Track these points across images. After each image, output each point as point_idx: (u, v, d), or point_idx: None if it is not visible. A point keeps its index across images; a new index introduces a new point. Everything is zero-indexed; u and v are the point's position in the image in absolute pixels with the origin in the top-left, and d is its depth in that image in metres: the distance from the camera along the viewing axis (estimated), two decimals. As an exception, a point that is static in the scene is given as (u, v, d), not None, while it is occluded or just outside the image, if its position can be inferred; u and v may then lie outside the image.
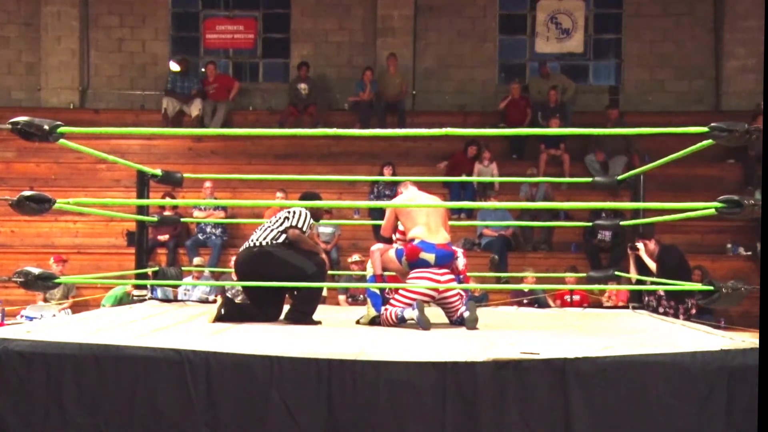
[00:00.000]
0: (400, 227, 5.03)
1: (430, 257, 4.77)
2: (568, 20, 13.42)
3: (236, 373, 3.39)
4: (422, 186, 11.44)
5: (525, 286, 8.29)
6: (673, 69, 13.47)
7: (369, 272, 5.06)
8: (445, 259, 4.83)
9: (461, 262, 5.03)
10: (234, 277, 5.32)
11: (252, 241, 4.97)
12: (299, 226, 4.91)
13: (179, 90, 13.01)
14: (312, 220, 5.06)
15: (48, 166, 12.19)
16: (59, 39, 13.57)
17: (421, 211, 4.94)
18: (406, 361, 3.39)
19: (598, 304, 8.87)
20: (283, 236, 4.90)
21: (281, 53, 14.07)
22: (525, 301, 8.34)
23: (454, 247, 5.02)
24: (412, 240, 4.84)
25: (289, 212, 5.01)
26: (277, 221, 4.98)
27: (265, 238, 4.91)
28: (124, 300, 8.40)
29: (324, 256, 5.11)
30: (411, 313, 4.57)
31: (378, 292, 4.88)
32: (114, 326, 4.39)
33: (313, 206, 5.07)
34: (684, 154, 4.61)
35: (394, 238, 5.16)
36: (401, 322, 4.63)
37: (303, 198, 5.22)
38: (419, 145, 12.38)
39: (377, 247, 5.01)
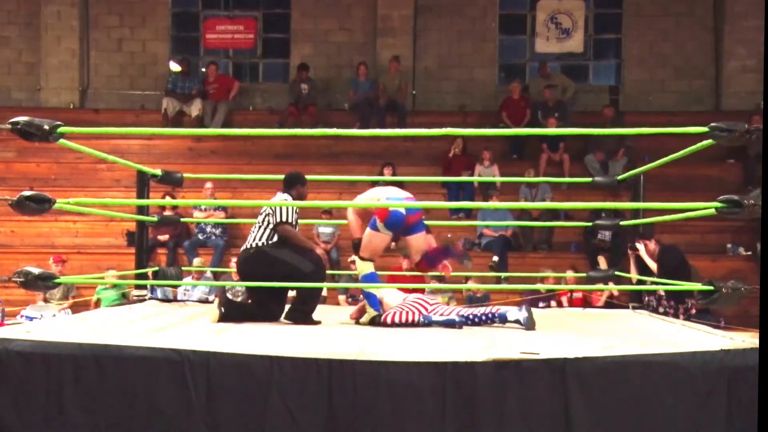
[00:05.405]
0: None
1: (400, 209, 4.80)
2: (568, 20, 13.42)
3: (236, 373, 3.39)
4: (422, 186, 11.38)
5: (525, 286, 8.27)
6: (673, 69, 13.47)
7: (361, 272, 5.03)
8: (414, 211, 4.87)
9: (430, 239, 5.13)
10: (234, 277, 5.32)
11: (249, 242, 4.97)
12: (287, 220, 4.88)
13: (179, 90, 13.01)
14: (297, 211, 4.99)
15: (48, 166, 12.19)
16: (59, 39, 13.57)
17: (378, 194, 5.03)
18: (406, 361, 3.39)
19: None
20: (276, 235, 4.89)
21: (281, 53, 14.06)
22: (541, 305, 8.27)
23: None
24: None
25: (270, 209, 4.95)
26: (263, 219, 4.96)
27: (260, 238, 4.90)
28: (119, 303, 8.41)
29: (320, 251, 5.09)
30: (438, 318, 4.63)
31: (375, 291, 4.87)
32: (114, 326, 4.39)
33: (290, 204, 4.96)
34: (684, 154, 4.61)
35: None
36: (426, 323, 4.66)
37: (287, 179, 5.11)
38: (419, 145, 12.38)
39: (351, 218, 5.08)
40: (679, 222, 6.79)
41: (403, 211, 4.80)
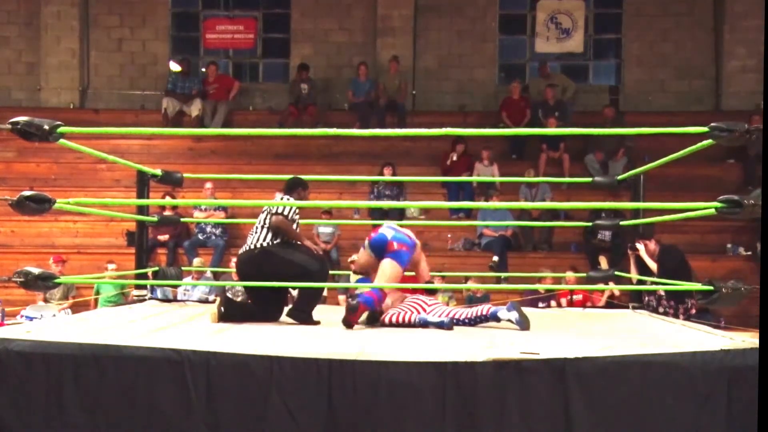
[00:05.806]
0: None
1: (388, 232, 4.94)
2: (568, 20, 13.42)
3: (236, 373, 3.39)
4: (422, 186, 11.34)
5: (525, 286, 8.26)
6: (673, 69, 13.47)
7: (353, 276, 5.14)
8: (401, 242, 4.91)
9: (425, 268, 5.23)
10: (234, 277, 5.31)
11: (252, 243, 4.95)
12: (282, 213, 4.89)
13: (179, 90, 13.02)
14: (297, 212, 5.02)
15: (48, 166, 12.19)
16: (59, 39, 13.57)
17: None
18: (406, 361, 3.39)
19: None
20: (280, 236, 4.89)
21: (281, 53, 14.07)
22: (541, 305, 8.26)
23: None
24: None
25: (270, 209, 4.98)
26: (264, 219, 4.96)
27: (264, 239, 4.90)
28: (118, 302, 8.42)
29: (315, 247, 5.10)
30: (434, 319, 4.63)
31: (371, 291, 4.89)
32: (114, 326, 4.39)
33: (290, 204, 4.99)
34: (684, 154, 4.61)
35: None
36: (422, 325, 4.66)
37: (289, 183, 5.17)
38: (419, 145, 12.38)
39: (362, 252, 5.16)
40: (679, 222, 6.79)
41: (388, 236, 4.90)
